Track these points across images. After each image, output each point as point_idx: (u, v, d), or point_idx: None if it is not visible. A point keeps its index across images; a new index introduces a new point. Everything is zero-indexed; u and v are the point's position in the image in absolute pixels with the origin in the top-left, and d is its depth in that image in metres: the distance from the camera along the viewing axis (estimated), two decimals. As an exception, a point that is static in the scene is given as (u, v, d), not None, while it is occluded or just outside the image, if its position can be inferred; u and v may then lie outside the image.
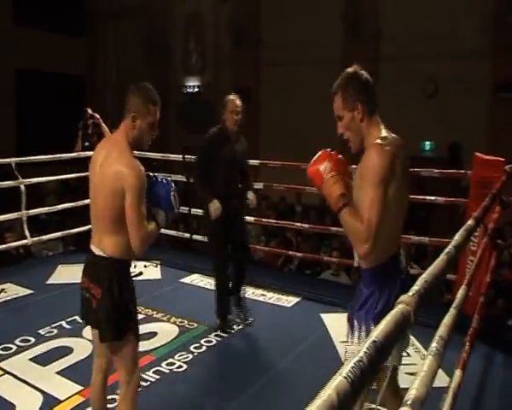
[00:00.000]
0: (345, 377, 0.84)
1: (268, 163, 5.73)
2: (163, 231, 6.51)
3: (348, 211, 1.86)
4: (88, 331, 3.94)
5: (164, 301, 4.63)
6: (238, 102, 4.01)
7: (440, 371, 3.28)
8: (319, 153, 1.99)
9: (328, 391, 0.81)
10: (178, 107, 13.91)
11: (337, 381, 0.83)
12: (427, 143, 10.85)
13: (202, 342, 3.82)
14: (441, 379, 2.97)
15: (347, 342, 2.05)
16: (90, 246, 2.30)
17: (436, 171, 4.70)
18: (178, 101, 14.14)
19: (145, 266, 5.57)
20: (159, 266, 5.62)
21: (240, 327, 4.16)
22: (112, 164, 2.16)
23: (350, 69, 2.04)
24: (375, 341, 0.97)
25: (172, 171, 5.57)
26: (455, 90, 10.03)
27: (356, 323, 2.02)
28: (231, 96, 4.03)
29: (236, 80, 12.89)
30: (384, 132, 1.95)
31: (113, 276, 2.21)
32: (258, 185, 6.08)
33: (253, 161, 5.53)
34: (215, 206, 3.89)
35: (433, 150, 10.81)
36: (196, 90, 14.02)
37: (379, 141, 1.89)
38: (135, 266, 5.56)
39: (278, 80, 12.08)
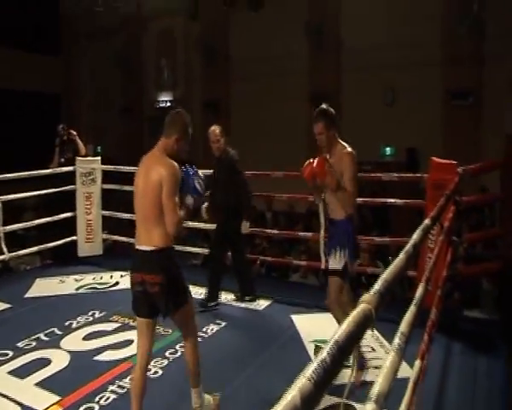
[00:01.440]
0: (308, 379, 0.82)
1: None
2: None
3: (343, 189, 3.11)
4: (66, 342, 3.85)
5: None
6: (216, 132, 4.50)
7: (403, 363, 3.29)
8: (317, 160, 3.11)
9: (292, 393, 0.78)
10: (151, 121, 13.77)
11: (301, 383, 0.81)
12: (388, 148, 10.99)
13: (177, 347, 3.75)
14: (404, 371, 2.98)
15: (327, 262, 3.34)
16: (135, 247, 2.64)
17: (396, 175, 4.76)
18: (151, 115, 14.00)
19: (121, 276, 5.46)
20: (135, 275, 5.51)
21: (214, 331, 4.11)
22: (153, 168, 2.59)
23: (325, 106, 3.22)
24: (337, 341, 0.95)
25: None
26: (411, 98, 10.18)
27: (334, 248, 3.24)
28: (212, 128, 4.56)
29: (207, 94, 12.85)
30: (346, 145, 3.20)
31: (169, 261, 2.61)
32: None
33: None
34: (203, 211, 4.55)
35: (393, 155, 10.94)
36: (168, 104, 13.91)
37: (350, 150, 3.17)
38: (111, 277, 5.50)
39: (247, 93, 12.07)
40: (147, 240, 2.60)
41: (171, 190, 2.54)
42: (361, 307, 1.10)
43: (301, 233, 5.82)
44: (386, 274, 1.29)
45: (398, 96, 10.54)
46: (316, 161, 3.11)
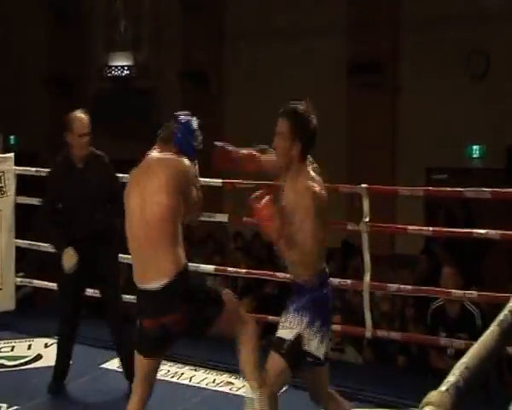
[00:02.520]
0: None
1: (236, 183, 5.68)
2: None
3: (289, 241, 3.34)
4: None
5: (74, 402, 4.55)
6: (86, 120, 4.78)
7: None
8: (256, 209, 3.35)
9: None
10: (99, 98, 13.84)
11: None
12: (475, 147, 10.98)
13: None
14: None
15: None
16: (140, 287, 3.28)
17: (488, 190, 4.73)
18: (99, 89, 14.07)
19: (46, 346, 5.45)
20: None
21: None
22: (156, 169, 3.30)
23: (303, 108, 3.42)
24: None
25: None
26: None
27: (288, 308, 3.37)
28: (77, 114, 4.80)
29: (188, 60, 12.89)
30: (312, 174, 3.43)
31: (187, 284, 3.26)
32: (222, 217, 6.06)
33: (213, 181, 5.51)
34: (69, 256, 4.60)
35: (485, 158, 10.94)
36: (126, 72, 13.98)
37: (312, 185, 3.35)
38: (29, 347, 5.49)
39: (248, 61, 12.11)
40: (156, 272, 3.18)
41: (190, 179, 3.40)
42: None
43: (334, 279, 5.78)
44: (467, 357, 1.27)
45: (495, 65, 10.54)
46: (259, 195, 3.40)
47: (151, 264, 3.19)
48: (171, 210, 3.20)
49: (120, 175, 5.48)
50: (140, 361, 3.37)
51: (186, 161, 3.36)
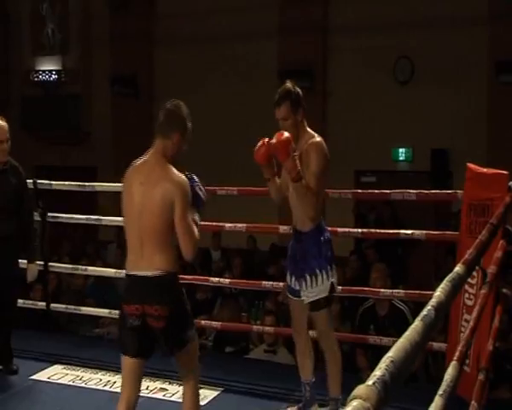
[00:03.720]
0: None
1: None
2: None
3: (302, 183, 3.80)
4: None
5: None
6: (5, 126, 4.98)
7: None
8: (284, 134, 3.79)
9: None
10: (26, 104, 13.54)
11: None
12: (401, 150, 11.10)
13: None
14: None
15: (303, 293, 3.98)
16: (129, 272, 3.40)
17: (413, 192, 4.82)
18: (26, 95, 13.77)
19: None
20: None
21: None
22: (156, 183, 3.33)
23: (290, 84, 4.00)
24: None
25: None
26: (439, 73, 10.37)
27: (312, 272, 3.93)
28: None
29: (118, 64, 12.71)
30: (316, 134, 4.02)
31: (176, 288, 3.44)
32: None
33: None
34: None
35: (410, 161, 11.08)
36: (55, 77, 13.71)
37: (319, 140, 3.99)
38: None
39: (182, 65, 11.99)
40: (148, 264, 3.32)
41: (185, 210, 3.32)
42: (354, 406, 1.10)
43: (267, 282, 5.82)
44: (393, 351, 1.29)
45: (419, 71, 10.70)
46: (276, 135, 3.84)
47: (147, 258, 3.32)
48: (166, 219, 3.30)
49: (41, 181, 5.64)
50: (123, 360, 3.44)
51: (187, 185, 3.39)
